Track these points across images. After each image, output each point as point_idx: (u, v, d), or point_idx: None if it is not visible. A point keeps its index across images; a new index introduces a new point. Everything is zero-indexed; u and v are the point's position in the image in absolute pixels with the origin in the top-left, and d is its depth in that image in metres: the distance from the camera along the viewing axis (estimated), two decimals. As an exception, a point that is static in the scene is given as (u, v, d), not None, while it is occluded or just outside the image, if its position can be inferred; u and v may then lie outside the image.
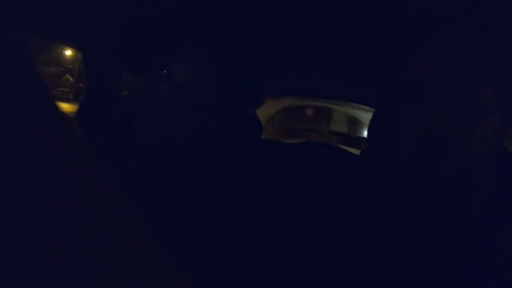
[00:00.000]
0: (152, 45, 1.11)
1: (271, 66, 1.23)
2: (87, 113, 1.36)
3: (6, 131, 0.16)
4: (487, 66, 0.55)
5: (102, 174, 0.22)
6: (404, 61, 0.59)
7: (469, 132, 0.54)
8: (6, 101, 0.17)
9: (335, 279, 0.62)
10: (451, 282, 0.55)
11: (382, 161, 0.65)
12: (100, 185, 0.21)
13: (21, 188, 0.17)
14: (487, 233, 0.54)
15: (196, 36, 0.91)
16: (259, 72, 1.26)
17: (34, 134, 0.18)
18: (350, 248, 0.62)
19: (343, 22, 0.72)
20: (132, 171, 0.82)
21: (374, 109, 0.84)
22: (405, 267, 0.57)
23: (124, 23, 0.95)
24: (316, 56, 1.03)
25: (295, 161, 1.23)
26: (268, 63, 1.18)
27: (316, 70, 1.22)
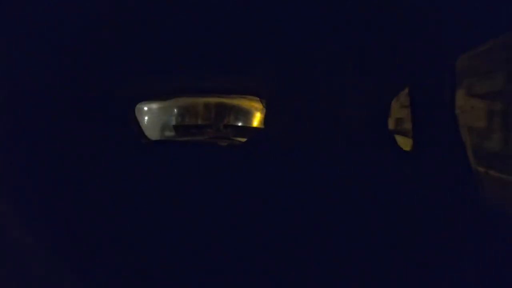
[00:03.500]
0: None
1: (159, 65, 1.18)
2: None
3: None
4: (355, 63, 0.63)
5: None
6: (291, 55, 0.63)
7: (348, 120, 0.61)
8: None
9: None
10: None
11: (279, 149, 0.68)
12: None
13: None
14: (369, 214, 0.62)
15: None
16: (144, 72, 1.21)
17: None
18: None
19: (234, 17, 0.74)
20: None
21: (265, 101, 0.88)
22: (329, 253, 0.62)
23: None
24: (207, 53, 1.04)
25: (196, 158, 1.22)
26: (155, 62, 1.14)
27: (207, 66, 1.22)
